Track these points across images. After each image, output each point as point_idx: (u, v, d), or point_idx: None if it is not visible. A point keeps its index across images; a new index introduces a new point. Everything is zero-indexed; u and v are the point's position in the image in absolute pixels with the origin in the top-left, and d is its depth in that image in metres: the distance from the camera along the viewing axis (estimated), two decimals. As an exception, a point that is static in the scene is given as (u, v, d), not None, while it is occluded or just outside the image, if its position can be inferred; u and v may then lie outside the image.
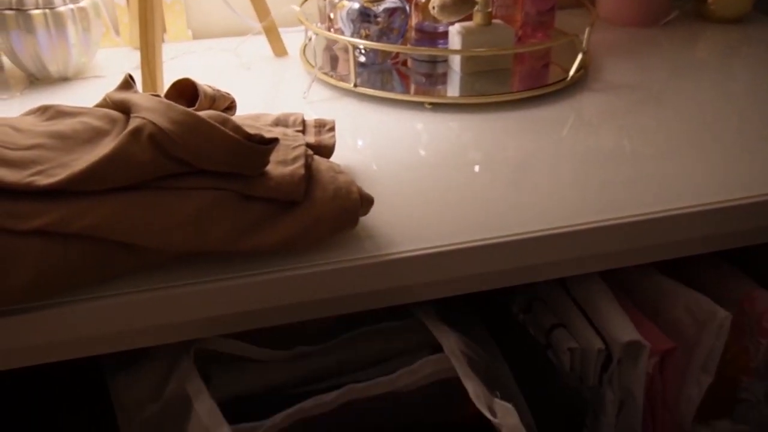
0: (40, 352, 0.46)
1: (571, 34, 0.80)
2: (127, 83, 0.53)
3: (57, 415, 0.65)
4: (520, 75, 0.81)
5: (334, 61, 0.83)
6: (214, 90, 0.57)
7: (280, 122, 0.57)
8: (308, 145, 0.54)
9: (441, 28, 0.80)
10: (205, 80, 0.58)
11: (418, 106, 0.73)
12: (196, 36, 0.95)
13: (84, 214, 0.44)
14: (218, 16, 0.96)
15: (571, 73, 0.78)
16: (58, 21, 0.75)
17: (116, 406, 0.55)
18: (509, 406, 0.50)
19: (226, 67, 0.84)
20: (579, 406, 0.62)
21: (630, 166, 0.62)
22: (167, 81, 0.57)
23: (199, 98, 0.54)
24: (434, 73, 0.80)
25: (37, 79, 0.79)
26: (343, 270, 0.48)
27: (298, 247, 0.48)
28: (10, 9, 0.74)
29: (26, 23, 0.74)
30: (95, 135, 0.48)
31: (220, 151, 0.45)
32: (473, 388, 0.50)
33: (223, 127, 0.46)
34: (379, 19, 0.76)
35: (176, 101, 0.56)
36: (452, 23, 0.78)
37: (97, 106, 0.53)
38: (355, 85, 0.75)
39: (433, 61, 0.82)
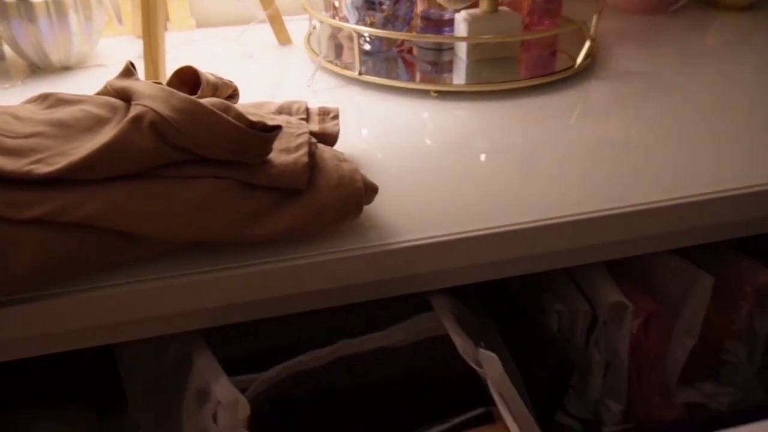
0: (40, 343, 0.46)
1: (578, 21, 0.79)
2: (129, 71, 0.52)
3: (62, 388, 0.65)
4: (527, 63, 0.80)
5: (339, 49, 0.82)
6: (216, 78, 0.56)
7: (283, 110, 0.57)
8: (312, 133, 0.53)
9: (447, 16, 0.79)
10: (208, 69, 0.57)
11: (424, 94, 0.72)
12: (200, 24, 0.94)
13: (84, 203, 0.43)
14: (222, 4, 0.95)
15: (579, 60, 0.77)
16: (60, 9, 0.74)
17: (120, 367, 0.56)
18: (493, 355, 0.51)
19: (230, 56, 0.83)
20: (566, 366, 0.64)
21: (638, 155, 0.61)
22: (170, 70, 0.56)
23: (202, 86, 0.53)
24: (440, 61, 0.79)
25: (38, 68, 0.79)
26: (346, 259, 0.47)
27: (301, 236, 0.47)
28: (12, -3, 0.73)
29: (28, 12, 0.73)
30: (96, 123, 0.48)
31: (222, 138, 0.45)
32: (461, 343, 0.52)
33: (225, 115, 0.45)
34: (384, 7, 0.75)
35: (178, 89, 0.55)
36: (458, 10, 0.77)
37: (99, 93, 0.52)
38: (360, 73, 0.74)
39: (438, 49, 0.81)
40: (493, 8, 0.76)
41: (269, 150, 0.47)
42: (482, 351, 0.51)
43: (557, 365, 0.63)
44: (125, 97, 0.49)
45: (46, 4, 0.73)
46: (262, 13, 0.85)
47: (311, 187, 0.47)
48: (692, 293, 0.65)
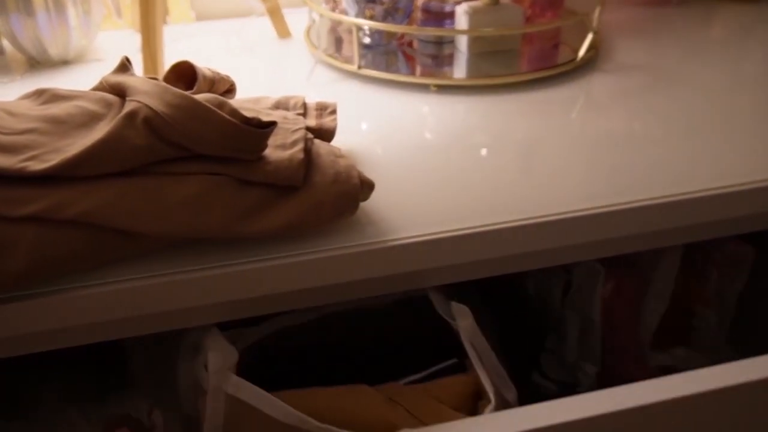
0: (36, 340, 0.46)
1: (580, 12, 0.78)
2: (124, 66, 0.52)
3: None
4: (529, 56, 0.80)
5: (338, 42, 0.82)
6: (213, 72, 0.55)
7: (280, 105, 0.56)
8: (309, 129, 0.53)
9: (447, 8, 0.78)
10: (208, 62, 0.56)
11: (424, 88, 0.72)
12: (200, 17, 0.94)
13: (78, 200, 0.43)
14: (221, -3, 0.94)
15: (581, 53, 0.76)
16: (58, 3, 0.74)
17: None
18: (464, 307, 0.52)
19: (229, 49, 0.83)
20: (541, 326, 0.67)
21: (642, 149, 0.60)
22: (169, 63, 0.56)
23: (198, 81, 0.53)
24: (440, 54, 0.79)
25: (37, 63, 0.78)
26: (343, 257, 0.47)
27: (297, 232, 0.47)
28: (10, -9, 0.73)
29: (26, 6, 0.73)
30: (90, 119, 0.47)
31: (217, 134, 0.44)
32: (438, 300, 0.54)
33: (219, 111, 0.45)
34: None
35: (175, 84, 0.55)
36: (459, 2, 0.76)
37: (94, 89, 0.52)
38: (359, 67, 0.73)
39: (439, 42, 0.80)
40: (495, 0, 0.75)
41: (264, 146, 0.46)
42: (454, 304, 0.53)
43: (534, 331, 0.66)
44: (120, 92, 0.49)
45: (45, -2, 0.73)
46: (261, 6, 0.84)
47: (307, 183, 0.46)
48: (663, 259, 0.66)
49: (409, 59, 0.79)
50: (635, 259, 0.66)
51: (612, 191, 0.54)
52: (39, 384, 0.62)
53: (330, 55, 0.77)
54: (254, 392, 0.48)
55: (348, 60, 0.75)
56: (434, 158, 0.59)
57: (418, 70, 0.77)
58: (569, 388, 0.69)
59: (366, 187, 0.48)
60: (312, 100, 0.59)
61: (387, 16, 0.76)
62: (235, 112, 0.45)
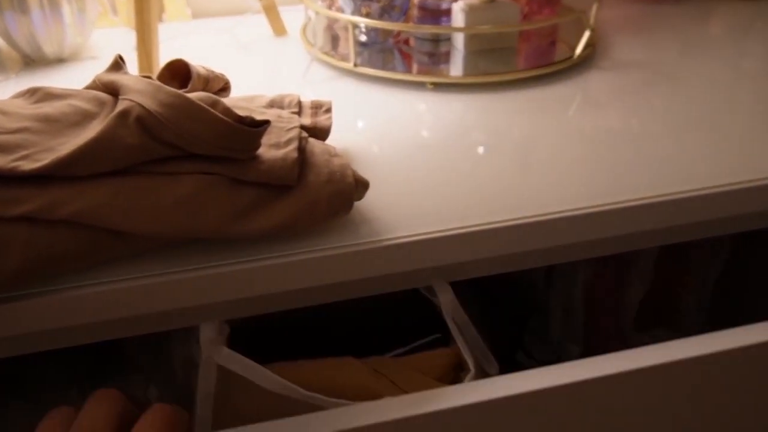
0: (29, 341, 0.45)
1: (577, 10, 0.78)
2: (117, 64, 0.52)
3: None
4: (526, 53, 0.79)
5: (335, 40, 0.81)
6: (207, 71, 0.55)
7: (275, 104, 0.56)
8: (304, 127, 0.53)
9: (444, 5, 0.78)
10: (204, 60, 0.56)
11: (421, 86, 0.72)
12: (196, 15, 0.93)
13: (71, 200, 0.42)
14: (218, -6, 0.94)
15: (578, 50, 0.76)
16: (53, 1, 0.73)
17: None
18: (444, 282, 0.52)
19: (225, 47, 0.82)
20: (525, 307, 0.69)
21: (640, 147, 0.60)
22: (165, 61, 0.55)
23: (192, 79, 0.53)
24: (437, 52, 0.78)
25: (32, 61, 0.78)
26: (337, 256, 0.46)
27: (291, 232, 0.46)
28: (3, -11, 0.72)
29: (21, 3, 0.73)
30: (83, 118, 0.47)
31: (210, 134, 0.44)
32: None
33: (212, 110, 0.44)
34: (380, -3, 0.74)
35: (169, 82, 0.55)
36: (455, 0, 0.76)
37: (87, 88, 0.52)
38: (356, 65, 0.73)
39: (435, 40, 0.80)
40: (491, -2, 0.75)
41: (258, 145, 0.46)
42: (436, 279, 0.53)
43: (517, 306, 0.68)
44: (113, 91, 0.48)
45: (39, -5, 0.73)
46: (257, 4, 0.84)
47: (301, 182, 0.46)
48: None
49: (406, 57, 0.78)
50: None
51: (610, 189, 0.54)
52: (41, 366, 0.62)
53: (326, 53, 0.77)
54: (244, 363, 0.49)
55: (344, 58, 0.75)
56: (431, 156, 0.58)
57: (415, 67, 0.76)
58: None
59: (361, 186, 0.48)
60: (307, 98, 0.59)
61: (383, 13, 0.76)
62: (228, 111, 0.45)
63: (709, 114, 0.66)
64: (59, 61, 0.78)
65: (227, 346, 0.49)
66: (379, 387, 0.53)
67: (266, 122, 0.46)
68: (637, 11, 0.94)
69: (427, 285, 0.53)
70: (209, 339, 0.49)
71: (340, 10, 0.77)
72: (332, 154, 0.49)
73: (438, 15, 0.79)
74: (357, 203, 0.49)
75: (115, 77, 0.49)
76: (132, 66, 0.70)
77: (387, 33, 0.79)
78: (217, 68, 0.58)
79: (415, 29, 0.80)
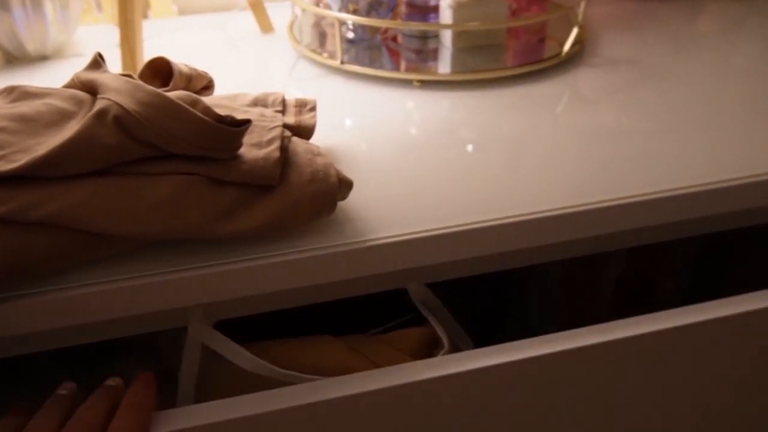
0: (19, 342, 0.45)
1: (566, 6, 0.77)
2: (97, 62, 0.51)
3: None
4: (514, 50, 0.79)
5: (322, 37, 0.80)
6: (190, 69, 0.54)
7: (258, 102, 0.55)
8: (288, 126, 0.52)
9: (432, 2, 0.77)
10: (189, 58, 0.55)
11: (409, 83, 0.71)
12: (182, 12, 0.92)
13: (47, 201, 0.41)
14: (204, -9, 0.93)
15: (566, 47, 0.75)
16: (35, -2, 0.72)
17: None
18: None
19: (212, 44, 0.81)
20: (504, 293, 0.71)
21: (629, 145, 0.59)
22: (149, 58, 0.54)
23: (174, 77, 0.52)
24: (425, 49, 0.78)
25: (15, 58, 0.77)
26: (321, 257, 0.46)
27: (274, 232, 0.46)
28: (-16, -15, 0.71)
29: (1, 1, 0.71)
30: (61, 117, 0.46)
31: (190, 133, 0.43)
32: None
33: (192, 109, 0.43)
34: (367, -7, 0.74)
35: (151, 81, 0.54)
36: (443, -4, 0.75)
37: (66, 86, 0.51)
38: (343, 62, 0.72)
39: (423, 37, 0.79)
40: (479, -6, 0.74)
41: (239, 145, 0.45)
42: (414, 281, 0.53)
43: (496, 292, 0.70)
44: (92, 90, 0.48)
45: (20, -8, 0.71)
46: (244, 1, 0.83)
47: (284, 182, 0.45)
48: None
49: (394, 54, 0.78)
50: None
51: (599, 187, 0.53)
52: (35, 354, 0.62)
53: (313, 50, 0.76)
54: (225, 343, 0.49)
55: (331, 55, 0.74)
56: (418, 155, 0.58)
57: (403, 65, 0.76)
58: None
59: (344, 185, 0.47)
60: (293, 96, 0.58)
61: (371, 10, 0.75)
62: (208, 110, 0.44)
63: (699, 111, 0.65)
64: (42, 58, 0.77)
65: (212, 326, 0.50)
66: (356, 364, 0.54)
67: (247, 121, 0.45)
68: (626, 8, 0.94)
69: (410, 284, 0.52)
70: (198, 326, 0.49)
71: (328, 6, 0.76)
72: (315, 153, 0.48)
73: (426, 12, 0.78)
74: (341, 203, 0.48)
75: (94, 75, 0.48)
76: (116, 64, 0.69)
77: (374, 30, 0.78)
78: (203, 66, 0.57)
79: (402, 26, 0.79)
